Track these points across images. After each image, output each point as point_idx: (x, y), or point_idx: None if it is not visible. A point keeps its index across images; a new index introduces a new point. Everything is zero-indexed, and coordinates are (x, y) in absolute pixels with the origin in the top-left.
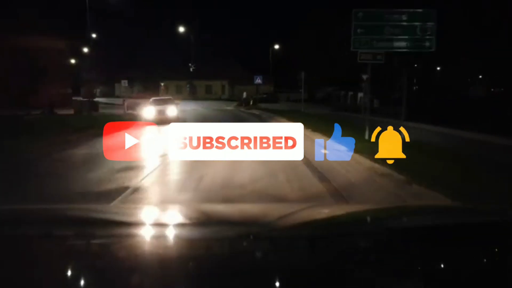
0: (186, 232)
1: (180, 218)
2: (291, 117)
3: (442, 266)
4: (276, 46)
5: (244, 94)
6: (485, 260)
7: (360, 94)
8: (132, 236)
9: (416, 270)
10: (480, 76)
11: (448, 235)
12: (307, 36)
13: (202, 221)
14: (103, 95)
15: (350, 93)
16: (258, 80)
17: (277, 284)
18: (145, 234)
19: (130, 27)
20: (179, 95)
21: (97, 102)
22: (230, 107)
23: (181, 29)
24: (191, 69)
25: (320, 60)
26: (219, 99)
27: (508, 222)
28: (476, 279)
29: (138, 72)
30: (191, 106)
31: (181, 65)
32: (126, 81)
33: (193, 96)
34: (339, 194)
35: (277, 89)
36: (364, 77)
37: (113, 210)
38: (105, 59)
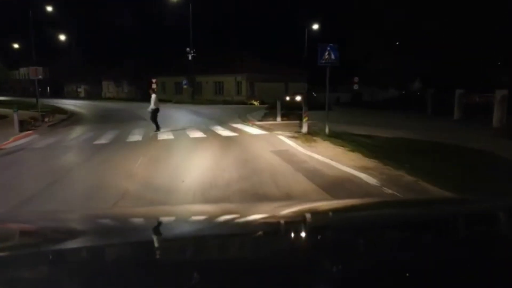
0: (176, 233)
1: (169, 219)
2: None
3: (444, 257)
4: (315, 26)
5: None
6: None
7: None
8: (122, 240)
9: (415, 262)
10: None
11: (448, 226)
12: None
13: (191, 221)
14: (88, 95)
15: (505, 92)
16: (331, 54)
17: (273, 280)
18: (135, 238)
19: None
20: (179, 95)
21: None
22: (253, 127)
23: None
24: (189, 57)
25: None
26: (231, 101)
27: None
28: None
29: (127, 67)
30: (175, 119)
31: (181, 56)
32: (40, 70)
33: (196, 98)
34: None
35: (311, 87)
36: None
37: (101, 214)
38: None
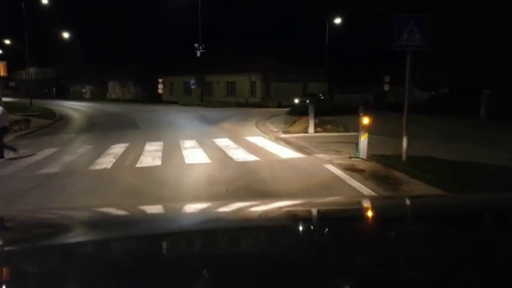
0: (178, 229)
1: (171, 215)
2: None
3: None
4: (337, 21)
5: None
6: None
7: None
8: (122, 236)
9: (420, 260)
10: None
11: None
12: None
13: (195, 217)
14: (94, 96)
15: None
16: (414, 33)
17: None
18: (137, 234)
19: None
20: (188, 96)
21: None
22: (278, 143)
23: None
24: (198, 53)
25: None
26: (245, 103)
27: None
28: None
29: (133, 67)
30: (175, 127)
31: (191, 55)
32: (3, 66)
33: (206, 99)
34: None
35: (331, 88)
36: None
37: (103, 210)
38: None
